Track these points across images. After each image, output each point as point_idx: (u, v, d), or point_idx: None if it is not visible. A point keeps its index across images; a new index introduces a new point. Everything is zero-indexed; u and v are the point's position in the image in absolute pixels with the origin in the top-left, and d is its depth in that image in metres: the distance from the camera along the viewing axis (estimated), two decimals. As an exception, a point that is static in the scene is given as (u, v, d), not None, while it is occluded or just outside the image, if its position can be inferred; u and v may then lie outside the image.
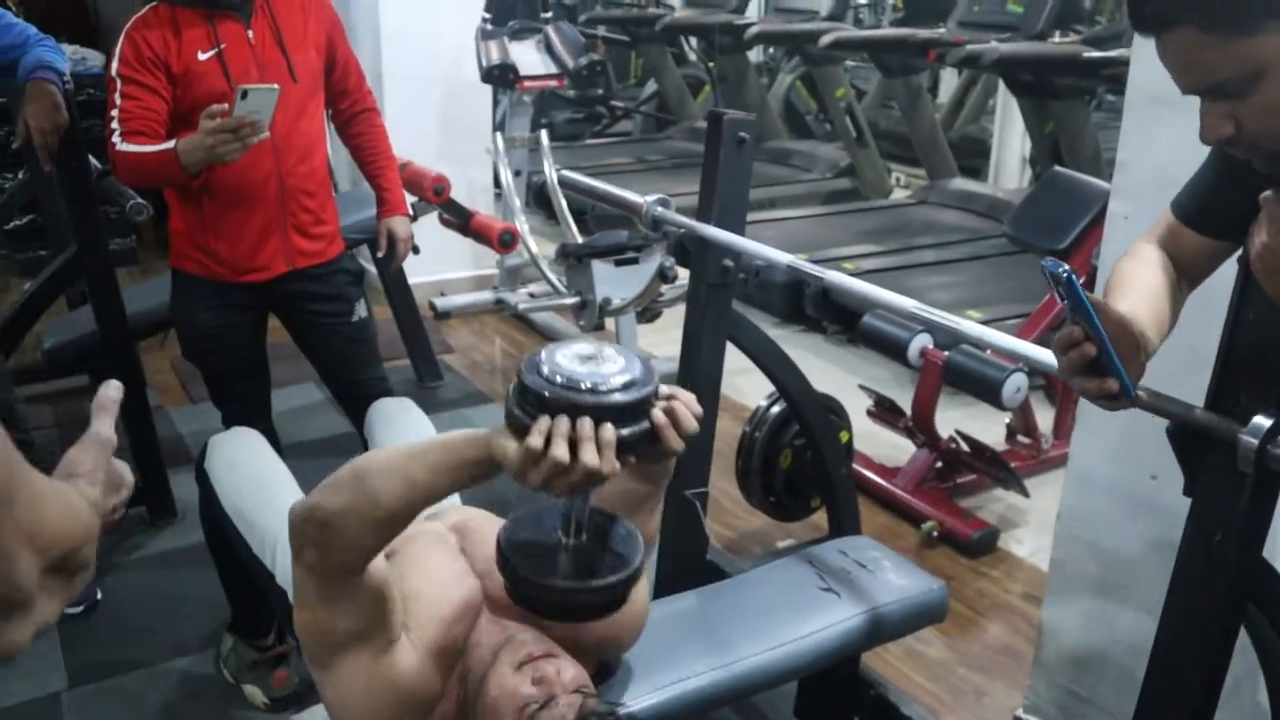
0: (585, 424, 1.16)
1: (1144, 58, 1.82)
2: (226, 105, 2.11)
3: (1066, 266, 1.12)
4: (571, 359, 1.21)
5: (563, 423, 1.16)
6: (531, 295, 4.82)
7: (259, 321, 2.60)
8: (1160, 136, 1.78)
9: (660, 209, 2.39)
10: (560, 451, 1.15)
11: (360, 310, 2.68)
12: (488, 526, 1.69)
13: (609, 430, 1.16)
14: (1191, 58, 1.05)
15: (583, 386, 1.17)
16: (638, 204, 2.44)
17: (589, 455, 1.15)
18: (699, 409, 1.26)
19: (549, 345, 1.23)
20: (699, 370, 2.37)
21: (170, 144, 2.20)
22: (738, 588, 1.99)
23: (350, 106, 2.67)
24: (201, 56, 2.29)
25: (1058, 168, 3.75)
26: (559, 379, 1.18)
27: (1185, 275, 1.36)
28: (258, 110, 2.13)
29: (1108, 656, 2.06)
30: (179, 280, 2.53)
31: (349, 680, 1.46)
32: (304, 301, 2.60)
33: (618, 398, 1.17)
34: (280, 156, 2.40)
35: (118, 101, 2.28)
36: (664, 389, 1.25)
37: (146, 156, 2.23)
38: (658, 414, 1.22)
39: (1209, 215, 1.33)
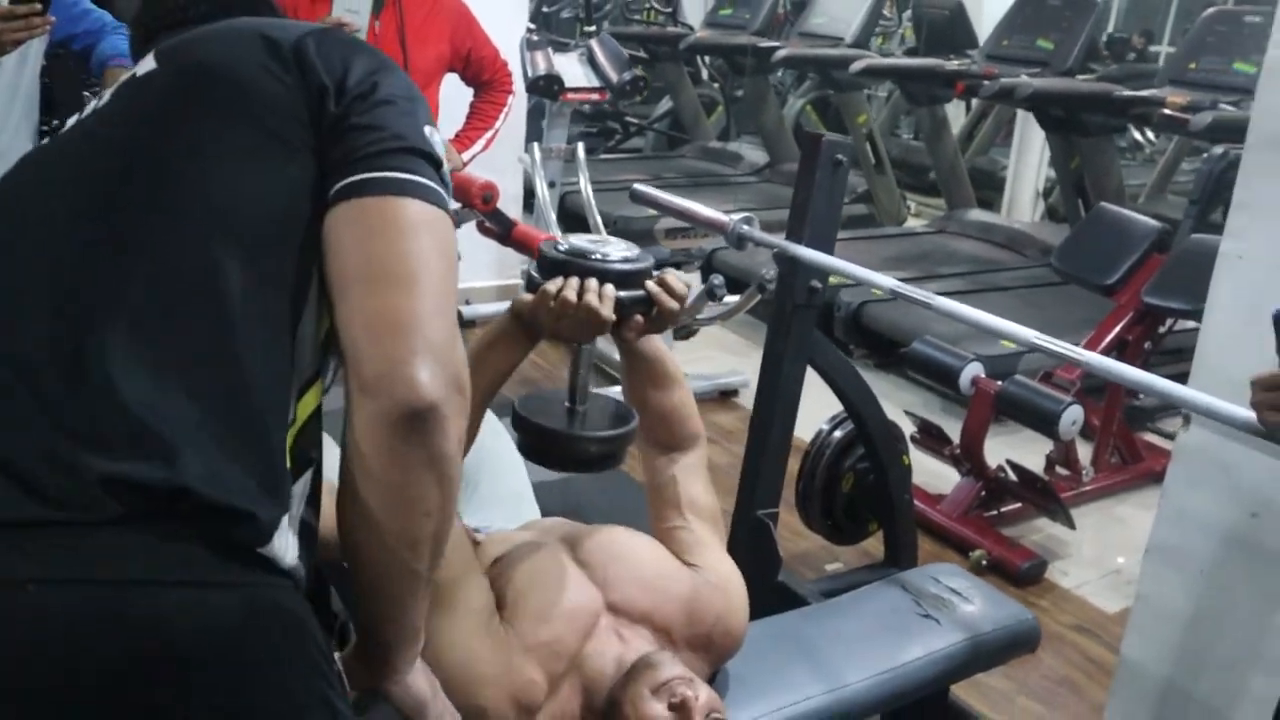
0: (591, 281, 1.42)
1: (1266, 104, 1.84)
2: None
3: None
4: (582, 240, 1.49)
5: (573, 280, 1.42)
6: (559, 307, 4.80)
7: None
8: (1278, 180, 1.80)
9: (746, 227, 2.38)
10: (569, 294, 1.40)
11: None
12: (603, 539, 1.67)
13: (609, 288, 1.43)
14: None
15: (590, 256, 1.45)
16: (722, 221, 2.42)
17: (591, 298, 1.41)
18: (688, 281, 1.53)
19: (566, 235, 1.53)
20: (780, 389, 2.35)
21: None
22: (835, 612, 1.98)
23: (479, 88, 2.95)
24: None
25: (1104, 204, 3.78)
26: (570, 251, 1.45)
27: None
28: (355, 10, 2.30)
29: (1192, 696, 2.05)
30: None
31: (450, 638, 1.40)
32: None
33: (617, 266, 1.45)
34: None
35: None
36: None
37: None
38: (651, 284, 1.48)
39: None
